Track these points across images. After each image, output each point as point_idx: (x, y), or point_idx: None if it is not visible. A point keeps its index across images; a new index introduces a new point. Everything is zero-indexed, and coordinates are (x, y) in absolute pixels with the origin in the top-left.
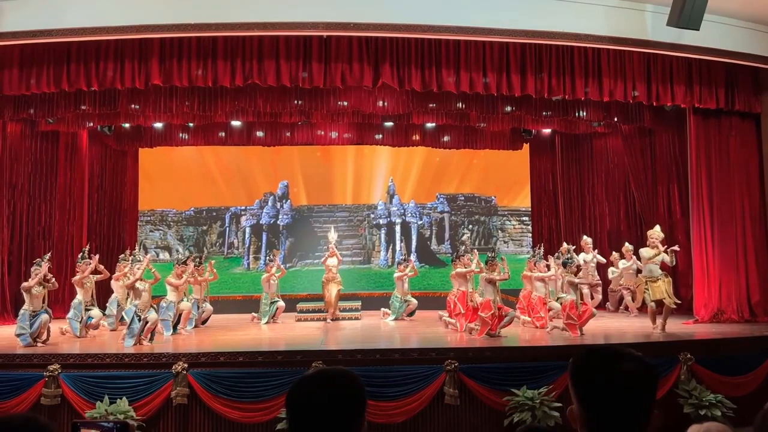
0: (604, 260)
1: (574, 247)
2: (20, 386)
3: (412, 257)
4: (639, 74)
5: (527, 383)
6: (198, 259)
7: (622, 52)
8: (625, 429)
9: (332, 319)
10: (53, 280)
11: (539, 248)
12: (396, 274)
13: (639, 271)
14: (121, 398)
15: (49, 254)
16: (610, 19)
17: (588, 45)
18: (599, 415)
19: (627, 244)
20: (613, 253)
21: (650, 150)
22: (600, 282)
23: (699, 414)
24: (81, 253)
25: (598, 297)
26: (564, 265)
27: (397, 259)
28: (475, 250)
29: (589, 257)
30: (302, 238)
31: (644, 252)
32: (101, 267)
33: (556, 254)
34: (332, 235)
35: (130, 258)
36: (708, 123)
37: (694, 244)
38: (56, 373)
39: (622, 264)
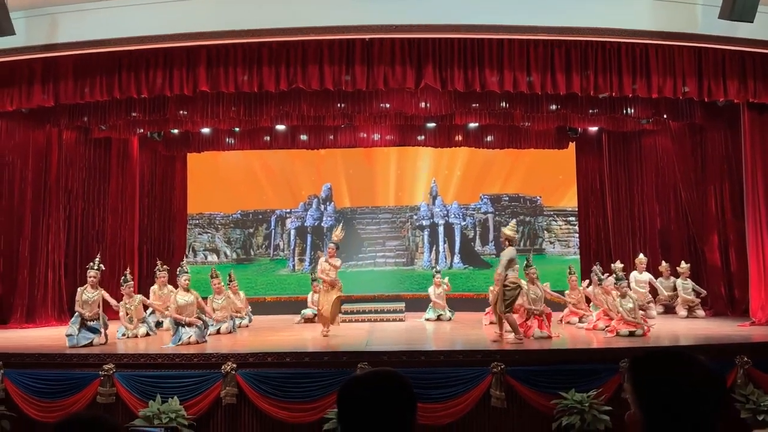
0: (651, 285)
1: (622, 265)
2: (78, 385)
3: (456, 258)
4: (689, 69)
5: (576, 386)
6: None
7: (672, 47)
8: None
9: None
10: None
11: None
12: (429, 290)
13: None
14: (172, 397)
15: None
16: (658, 14)
17: (635, 41)
18: (663, 422)
19: (664, 263)
20: (663, 263)
21: (701, 147)
22: (653, 301)
23: (757, 419)
24: (123, 277)
25: (651, 315)
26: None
27: (434, 267)
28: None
29: (642, 276)
30: (346, 239)
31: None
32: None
33: (593, 271)
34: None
35: (177, 268)
36: (763, 118)
37: (750, 244)
38: (111, 372)
39: (659, 282)
